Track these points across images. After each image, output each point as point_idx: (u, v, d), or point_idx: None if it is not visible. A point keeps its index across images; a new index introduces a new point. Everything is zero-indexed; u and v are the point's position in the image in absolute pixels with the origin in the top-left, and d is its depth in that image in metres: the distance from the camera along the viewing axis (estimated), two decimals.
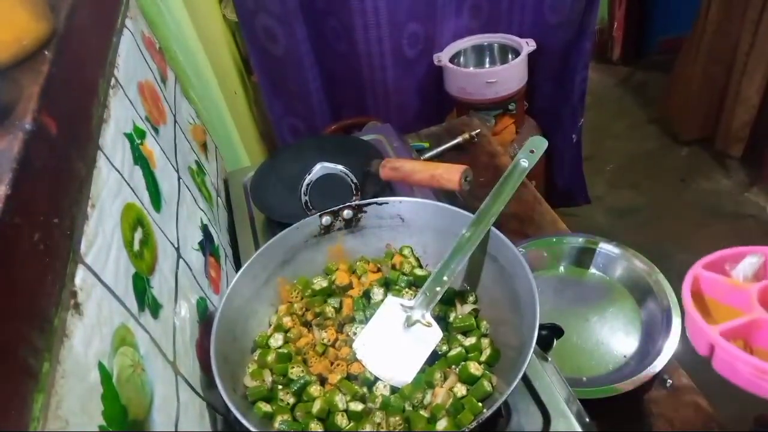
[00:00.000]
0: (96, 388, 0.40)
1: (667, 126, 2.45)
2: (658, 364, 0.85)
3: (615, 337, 0.94)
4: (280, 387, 0.64)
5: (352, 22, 1.49)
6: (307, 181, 0.78)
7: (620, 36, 2.80)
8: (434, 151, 1.33)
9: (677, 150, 2.37)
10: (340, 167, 0.78)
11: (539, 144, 0.73)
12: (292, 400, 0.63)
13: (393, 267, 0.74)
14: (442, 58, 1.63)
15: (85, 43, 0.60)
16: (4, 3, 0.48)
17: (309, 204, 0.79)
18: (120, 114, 0.62)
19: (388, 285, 0.73)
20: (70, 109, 0.50)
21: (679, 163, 2.32)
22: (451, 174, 0.78)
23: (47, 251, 0.39)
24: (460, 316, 0.69)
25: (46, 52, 0.49)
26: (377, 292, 0.72)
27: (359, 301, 0.71)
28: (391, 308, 0.68)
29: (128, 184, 0.58)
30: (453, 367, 0.64)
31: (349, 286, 0.74)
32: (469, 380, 0.62)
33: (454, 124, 1.47)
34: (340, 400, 0.61)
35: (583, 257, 1.05)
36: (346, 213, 0.78)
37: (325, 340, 0.68)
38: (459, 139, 1.36)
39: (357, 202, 0.78)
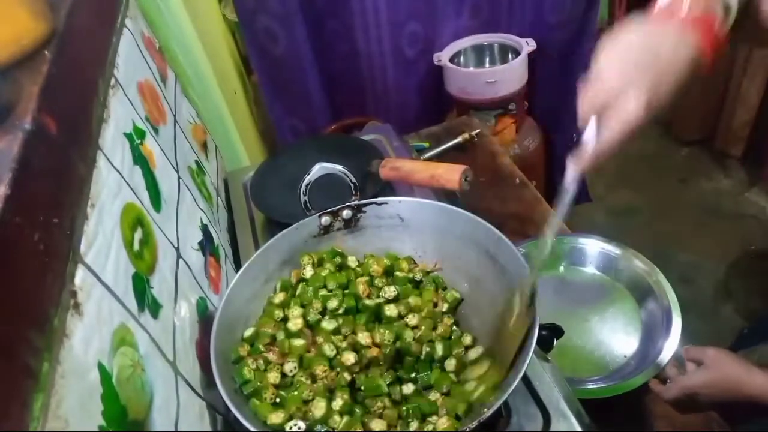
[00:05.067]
0: (96, 387, 0.40)
1: (667, 126, 2.45)
2: (658, 364, 0.85)
3: (615, 338, 0.94)
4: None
5: (352, 22, 1.49)
6: (306, 181, 0.78)
7: None
8: (434, 151, 1.33)
9: (677, 150, 2.37)
10: (339, 167, 0.78)
11: None
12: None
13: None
14: (442, 57, 1.63)
15: (85, 43, 0.60)
16: (4, 2, 0.48)
17: (308, 204, 0.79)
18: (120, 114, 0.62)
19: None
20: (69, 109, 0.50)
21: (679, 163, 2.32)
22: (451, 174, 0.78)
23: (47, 251, 0.39)
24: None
25: (46, 52, 0.49)
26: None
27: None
28: None
29: (128, 184, 0.58)
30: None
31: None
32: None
33: (454, 124, 1.47)
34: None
35: (583, 257, 1.05)
36: (346, 213, 0.78)
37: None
38: (459, 139, 1.36)
39: (356, 202, 0.78)
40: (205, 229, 0.82)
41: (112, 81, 0.63)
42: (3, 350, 0.32)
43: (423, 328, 0.68)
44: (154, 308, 0.55)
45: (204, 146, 1.03)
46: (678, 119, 2.38)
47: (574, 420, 0.62)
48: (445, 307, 0.71)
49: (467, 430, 0.54)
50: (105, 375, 0.42)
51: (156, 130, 0.74)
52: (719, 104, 2.20)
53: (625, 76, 0.50)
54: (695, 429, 0.84)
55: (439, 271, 0.76)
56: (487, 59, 1.76)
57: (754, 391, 0.74)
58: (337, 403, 0.60)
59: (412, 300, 0.71)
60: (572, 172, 0.55)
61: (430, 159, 1.30)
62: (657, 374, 0.84)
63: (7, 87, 0.45)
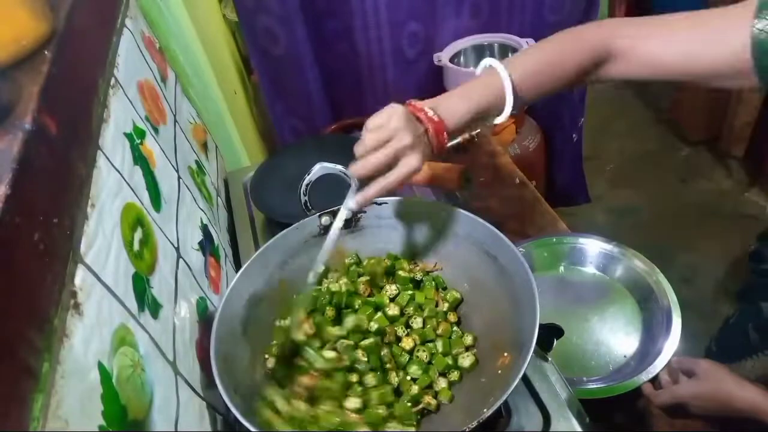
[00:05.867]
0: (96, 388, 0.40)
1: (667, 126, 2.45)
2: (658, 364, 0.85)
3: (615, 337, 0.94)
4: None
5: (352, 23, 1.49)
6: (306, 181, 0.78)
7: None
8: None
9: (678, 150, 2.37)
10: (339, 167, 0.78)
11: None
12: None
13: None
14: (442, 57, 1.63)
15: (85, 43, 0.60)
16: (4, 3, 0.48)
17: (308, 204, 0.79)
18: (120, 114, 0.62)
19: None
20: (70, 109, 0.50)
21: (680, 163, 2.31)
22: (451, 174, 0.79)
23: (47, 251, 0.39)
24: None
25: (46, 52, 0.49)
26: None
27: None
28: None
29: (128, 184, 0.58)
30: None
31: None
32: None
33: None
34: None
35: (583, 257, 1.05)
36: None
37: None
38: (459, 139, 1.36)
39: None
40: (205, 229, 0.82)
41: (112, 81, 0.63)
42: (3, 350, 0.32)
43: (428, 326, 0.68)
44: (154, 308, 0.55)
45: (204, 146, 1.03)
46: (686, 120, 2.38)
47: (574, 420, 0.62)
48: (445, 306, 0.71)
49: (467, 430, 0.54)
50: (105, 375, 0.42)
51: (156, 130, 0.74)
52: (725, 105, 2.20)
53: (411, 139, 0.63)
54: (695, 429, 0.83)
55: (439, 271, 0.76)
56: None
57: (745, 405, 0.74)
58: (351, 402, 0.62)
59: (417, 297, 0.71)
60: (345, 210, 0.65)
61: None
62: (652, 378, 0.84)
63: (7, 87, 0.45)
